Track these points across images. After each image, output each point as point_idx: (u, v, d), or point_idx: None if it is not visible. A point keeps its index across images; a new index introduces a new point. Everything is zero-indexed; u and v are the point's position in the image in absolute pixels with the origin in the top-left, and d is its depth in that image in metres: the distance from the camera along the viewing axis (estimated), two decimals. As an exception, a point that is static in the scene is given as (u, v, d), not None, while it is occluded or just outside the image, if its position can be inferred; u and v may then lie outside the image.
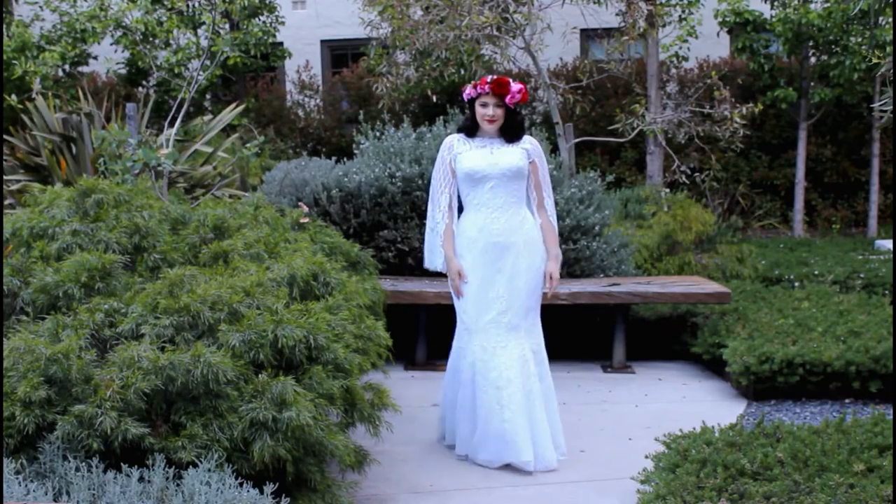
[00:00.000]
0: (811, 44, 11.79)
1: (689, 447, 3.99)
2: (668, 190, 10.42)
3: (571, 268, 7.15)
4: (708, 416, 4.68)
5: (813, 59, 12.01)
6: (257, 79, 14.04)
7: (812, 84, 12.07)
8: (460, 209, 4.72)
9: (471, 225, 4.60)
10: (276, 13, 12.59)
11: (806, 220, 12.61)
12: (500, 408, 4.44)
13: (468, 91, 4.60)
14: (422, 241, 5.83)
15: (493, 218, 4.55)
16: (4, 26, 11.03)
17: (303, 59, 14.29)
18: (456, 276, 4.58)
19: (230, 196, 6.96)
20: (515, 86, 4.52)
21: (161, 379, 3.34)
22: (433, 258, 4.73)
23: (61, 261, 4.08)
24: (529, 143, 4.67)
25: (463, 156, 4.60)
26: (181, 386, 3.35)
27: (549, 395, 4.69)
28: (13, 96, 9.30)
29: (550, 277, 4.63)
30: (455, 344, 4.70)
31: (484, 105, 4.56)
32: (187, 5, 11.70)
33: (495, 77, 4.55)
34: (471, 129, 4.65)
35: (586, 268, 7.17)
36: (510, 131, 4.63)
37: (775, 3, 11.63)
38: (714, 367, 6.44)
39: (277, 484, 3.37)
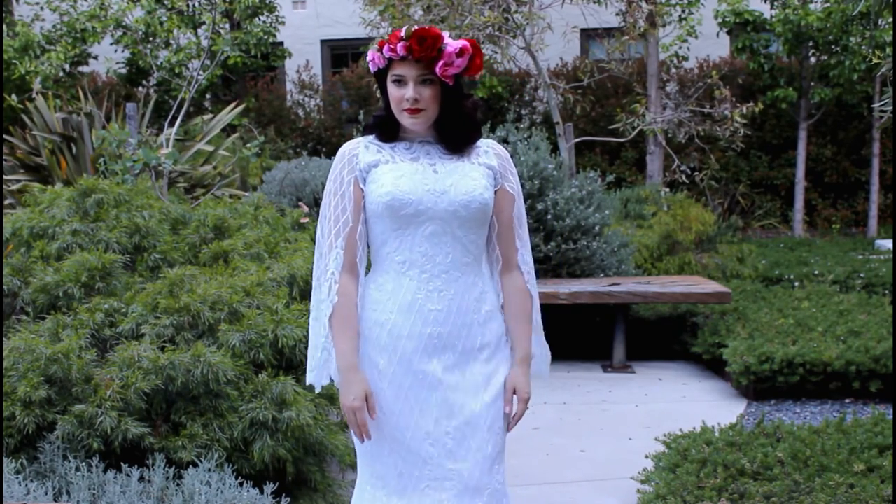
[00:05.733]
0: (811, 44, 11.80)
1: (689, 447, 3.99)
2: (668, 190, 10.43)
3: (571, 268, 7.16)
4: (708, 416, 4.69)
5: (813, 59, 12.02)
6: (257, 79, 14.05)
7: (812, 84, 12.07)
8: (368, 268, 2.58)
9: (388, 301, 2.48)
10: (277, 13, 12.61)
11: (806, 219, 12.62)
12: None
13: (372, 57, 2.46)
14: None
15: (433, 290, 2.46)
16: (6, 26, 11.03)
17: (303, 59, 14.30)
18: (361, 404, 2.44)
19: (230, 196, 6.96)
20: (454, 44, 2.39)
21: (161, 379, 3.34)
22: (316, 365, 2.50)
23: (61, 261, 4.09)
24: (494, 154, 2.55)
25: (381, 171, 2.46)
26: (181, 386, 3.36)
27: None
28: (13, 96, 9.31)
29: (514, 394, 2.55)
30: None
31: (399, 81, 2.42)
32: (188, 5, 11.71)
33: (415, 29, 2.40)
34: (385, 126, 2.51)
35: (586, 268, 7.18)
36: (453, 131, 2.49)
37: (775, 4, 11.63)
38: (714, 367, 6.44)
39: (277, 483, 3.38)
